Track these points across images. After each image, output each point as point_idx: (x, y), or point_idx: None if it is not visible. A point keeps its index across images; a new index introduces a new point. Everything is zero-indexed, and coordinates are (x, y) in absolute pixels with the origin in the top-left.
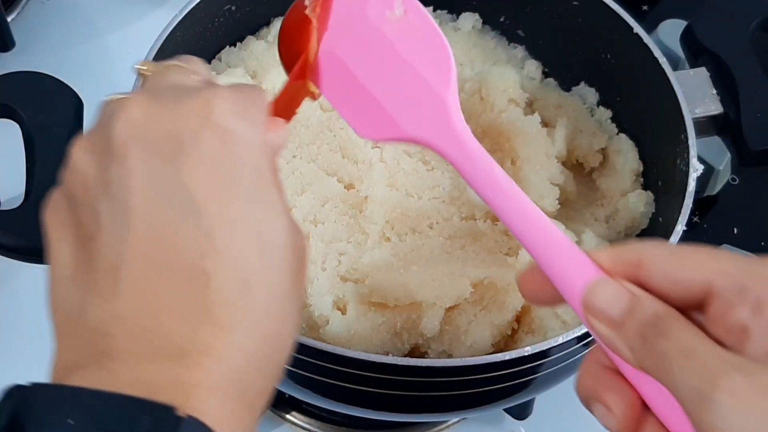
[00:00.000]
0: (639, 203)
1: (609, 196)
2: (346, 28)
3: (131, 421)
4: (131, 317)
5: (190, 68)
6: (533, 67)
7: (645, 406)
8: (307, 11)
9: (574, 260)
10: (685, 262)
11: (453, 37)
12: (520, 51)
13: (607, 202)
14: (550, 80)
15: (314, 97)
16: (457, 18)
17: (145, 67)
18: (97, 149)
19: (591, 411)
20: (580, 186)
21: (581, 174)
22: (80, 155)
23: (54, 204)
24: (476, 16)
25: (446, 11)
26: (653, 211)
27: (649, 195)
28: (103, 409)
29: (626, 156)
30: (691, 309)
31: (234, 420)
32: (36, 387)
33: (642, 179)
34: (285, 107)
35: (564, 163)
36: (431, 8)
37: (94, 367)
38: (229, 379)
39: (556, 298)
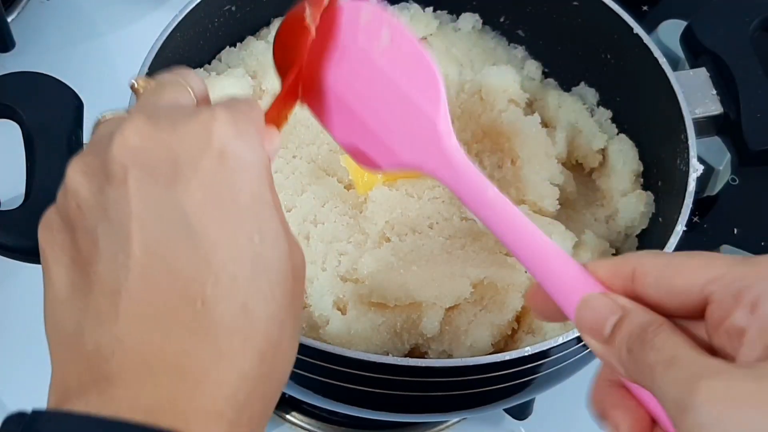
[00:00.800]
0: (639, 203)
1: (609, 197)
2: (342, 63)
3: None
4: (130, 342)
5: (185, 83)
6: (533, 67)
7: (654, 421)
8: (306, 21)
9: (570, 275)
10: (678, 272)
11: (453, 37)
12: (520, 51)
13: (607, 202)
14: (550, 80)
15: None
16: (457, 18)
17: (138, 84)
18: (94, 171)
19: (603, 426)
20: (580, 186)
21: (581, 174)
22: (76, 177)
23: (49, 224)
24: (476, 16)
25: (446, 11)
26: (653, 211)
27: (649, 195)
28: None
29: (626, 156)
30: (691, 318)
31: None
32: (37, 414)
33: (642, 179)
34: (277, 115)
35: (564, 164)
36: (431, 8)
37: (94, 392)
38: (228, 403)
39: (561, 314)
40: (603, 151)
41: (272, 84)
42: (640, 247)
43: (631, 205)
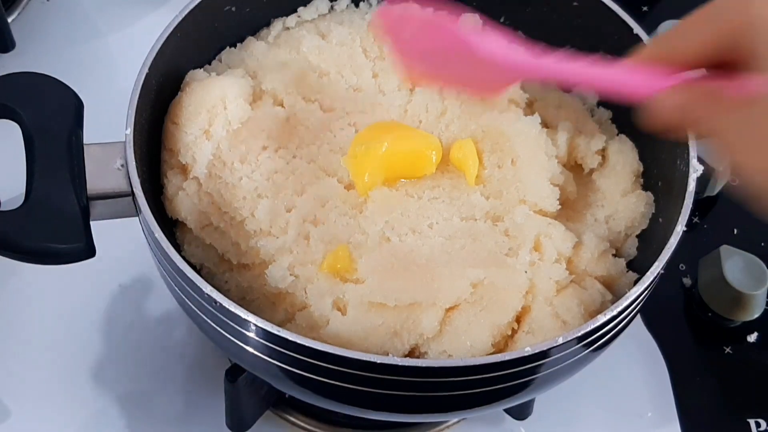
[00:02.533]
0: (639, 204)
1: (609, 197)
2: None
3: None
4: None
5: None
6: None
7: None
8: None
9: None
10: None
11: None
12: None
13: (607, 202)
14: None
15: None
16: (457, 18)
17: None
18: None
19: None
20: (580, 187)
21: (581, 174)
22: None
23: None
24: (476, 16)
25: (446, 11)
26: (653, 211)
27: (649, 195)
28: None
29: (626, 157)
30: None
31: None
32: None
33: (642, 180)
34: None
35: (564, 164)
36: (431, 9)
37: None
38: None
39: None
40: (603, 152)
41: (272, 84)
42: (640, 247)
43: (631, 205)
